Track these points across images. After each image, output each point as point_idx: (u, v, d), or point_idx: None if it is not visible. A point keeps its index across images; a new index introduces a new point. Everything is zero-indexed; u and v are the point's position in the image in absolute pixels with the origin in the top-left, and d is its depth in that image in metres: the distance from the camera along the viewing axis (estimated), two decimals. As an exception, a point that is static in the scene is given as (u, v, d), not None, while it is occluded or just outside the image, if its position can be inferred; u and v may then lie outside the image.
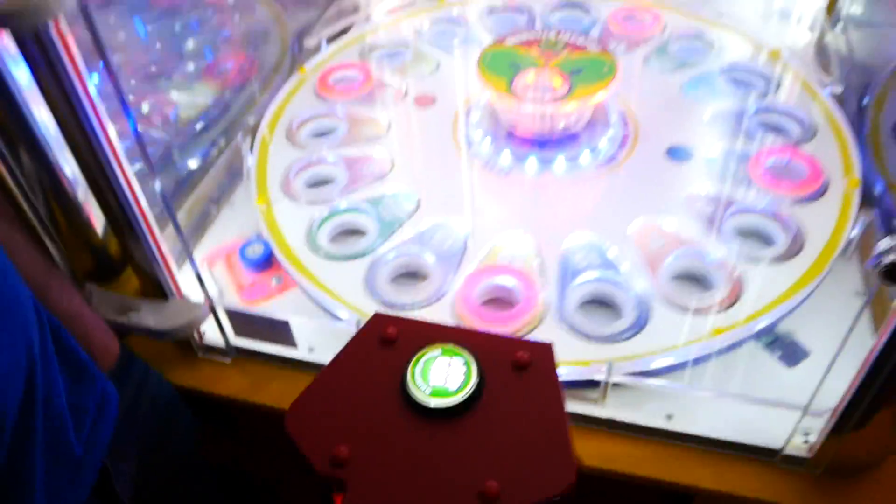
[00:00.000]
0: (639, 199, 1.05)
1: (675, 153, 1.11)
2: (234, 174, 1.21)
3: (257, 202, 1.08)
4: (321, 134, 1.23)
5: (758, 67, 1.28)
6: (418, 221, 1.04)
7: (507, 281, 0.93)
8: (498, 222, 1.03)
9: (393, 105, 1.27)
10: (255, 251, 1.04)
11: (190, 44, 1.47)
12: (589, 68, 1.09)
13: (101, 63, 0.69)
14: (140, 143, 0.77)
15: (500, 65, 1.11)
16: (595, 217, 1.03)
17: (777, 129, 1.16)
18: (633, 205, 1.03)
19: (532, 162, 1.10)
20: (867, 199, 1.04)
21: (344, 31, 1.48)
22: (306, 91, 1.32)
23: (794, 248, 0.96)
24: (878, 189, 1.06)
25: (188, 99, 1.32)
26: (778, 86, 1.24)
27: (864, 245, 1.00)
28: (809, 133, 1.14)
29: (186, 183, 1.16)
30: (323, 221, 1.05)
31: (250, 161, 1.16)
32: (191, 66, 1.39)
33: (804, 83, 1.24)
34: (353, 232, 1.06)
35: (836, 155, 1.09)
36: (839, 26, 1.43)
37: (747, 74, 1.27)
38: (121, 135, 0.76)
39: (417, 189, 1.08)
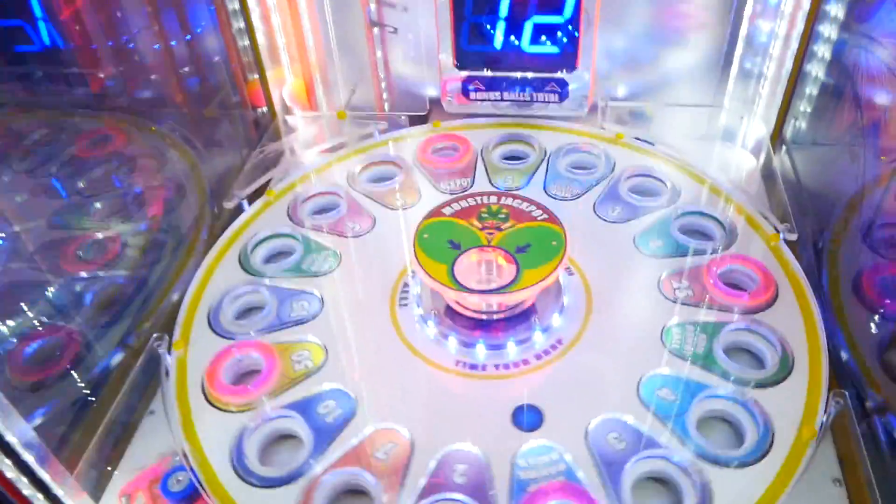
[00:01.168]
0: (597, 388, 0.97)
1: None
2: (155, 372, 1.07)
3: (180, 419, 0.96)
4: (249, 310, 1.12)
5: (711, 215, 1.22)
6: (356, 430, 0.93)
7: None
8: (445, 427, 0.93)
9: (326, 278, 1.16)
10: (179, 484, 0.91)
11: (99, 206, 1.33)
12: (535, 243, 1.01)
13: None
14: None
15: (439, 244, 1.02)
16: (551, 417, 0.94)
17: (734, 285, 1.11)
18: (591, 398, 0.95)
19: (480, 349, 1.01)
20: (835, 367, 0.99)
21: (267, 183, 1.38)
22: (229, 262, 1.20)
23: (765, 445, 0.89)
24: (844, 357, 1.01)
25: (100, 275, 1.20)
26: (731, 233, 1.19)
27: (836, 426, 0.93)
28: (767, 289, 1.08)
29: (103, 387, 1.03)
30: (251, 435, 0.93)
31: (169, 360, 1.03)
32: (98, 235, 1.26)
33: (756, 226, 1.19)
34: (285, 438, 0.96)
35: (800, 323, 1.03)
36: (783, 151, 1.40)
37: (700, 222, 1.22)
38: None
39: (354, 390, 0.97)
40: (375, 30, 1.42)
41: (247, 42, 1.48)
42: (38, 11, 1.44)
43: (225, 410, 0.97)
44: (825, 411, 0.91)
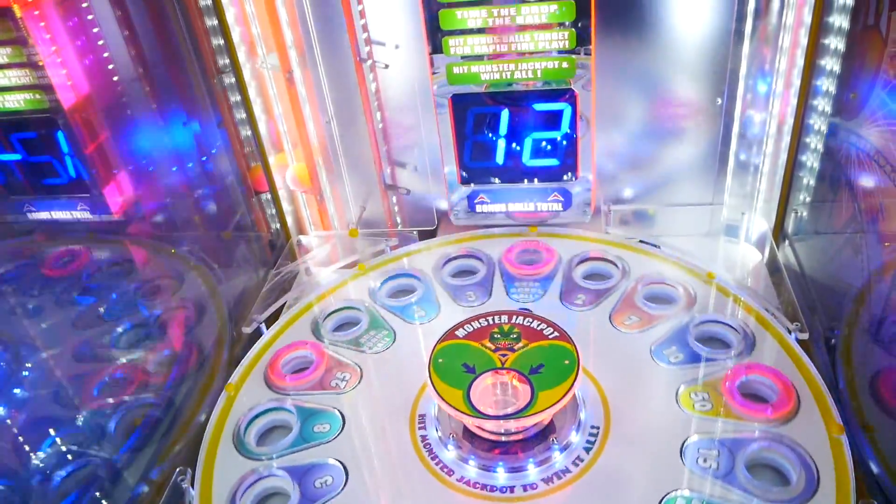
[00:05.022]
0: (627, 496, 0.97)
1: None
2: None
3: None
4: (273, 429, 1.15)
5: (727, 323, 1.23)
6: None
7: None
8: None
9: (348, 395, 1.19)
10: None
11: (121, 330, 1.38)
12: (549, 363, 1.04)
13: None
14: None
15: (454, 368, 1.05)
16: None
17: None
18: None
19: (500, 472, 1.02)
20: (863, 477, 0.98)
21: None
22: (255, 380, 1.24)
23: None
24: (874, 470, 1.00)
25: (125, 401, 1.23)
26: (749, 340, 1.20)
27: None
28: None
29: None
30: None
31: (192, 494, 1.05)
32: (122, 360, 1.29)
33: (766, 325, 1.21)
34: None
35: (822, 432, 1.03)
36: (786, 244, 1.43)
37: (715, 329, 1.24)
38: None
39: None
40: (383, 149, 1.49)
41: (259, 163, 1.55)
42: (65, 148, 1.52)
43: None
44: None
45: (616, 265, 1.38)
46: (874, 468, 0.99)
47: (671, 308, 1.28)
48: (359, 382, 1.20)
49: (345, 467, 1.05)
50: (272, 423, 1.17)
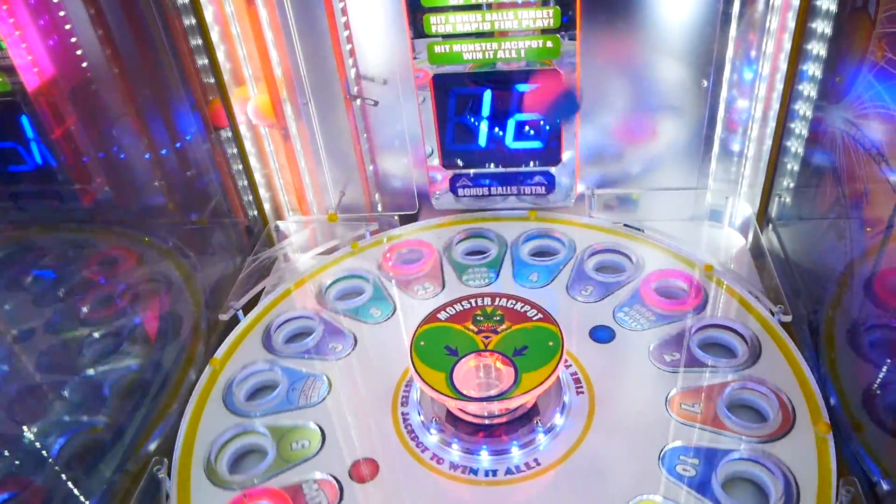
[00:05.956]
0: (611, 480, 0.96)
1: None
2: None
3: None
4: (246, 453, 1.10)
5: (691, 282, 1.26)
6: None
7: None
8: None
9: (320, 405, 1.12)
10: None
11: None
12: (533, 345, 1.01)
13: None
14: None
15: (436, 351, 1.02)
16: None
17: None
18: (609, 491, 0.94)
19: (484, 455, 0.99)
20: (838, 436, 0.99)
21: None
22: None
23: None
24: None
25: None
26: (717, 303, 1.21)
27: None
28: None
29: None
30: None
31: (169, 484, 1.01)
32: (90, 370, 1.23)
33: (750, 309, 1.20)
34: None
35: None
36: (770, 229, 1.42)
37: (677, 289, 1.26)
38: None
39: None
40: (363, 132, 1.47)
41: (235, 150, 1.51)
42: (29, 133, 1.47)
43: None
44: (836, 500, 0.90)
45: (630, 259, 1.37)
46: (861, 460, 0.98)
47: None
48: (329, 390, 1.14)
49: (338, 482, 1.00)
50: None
